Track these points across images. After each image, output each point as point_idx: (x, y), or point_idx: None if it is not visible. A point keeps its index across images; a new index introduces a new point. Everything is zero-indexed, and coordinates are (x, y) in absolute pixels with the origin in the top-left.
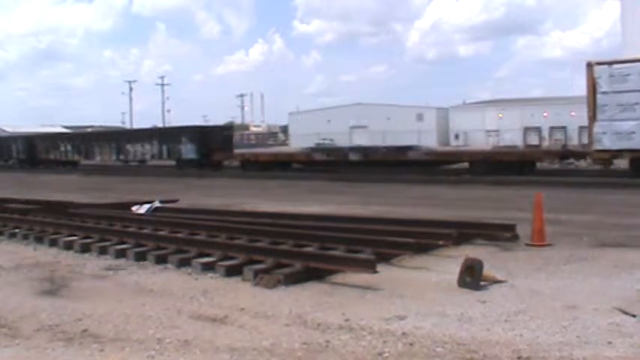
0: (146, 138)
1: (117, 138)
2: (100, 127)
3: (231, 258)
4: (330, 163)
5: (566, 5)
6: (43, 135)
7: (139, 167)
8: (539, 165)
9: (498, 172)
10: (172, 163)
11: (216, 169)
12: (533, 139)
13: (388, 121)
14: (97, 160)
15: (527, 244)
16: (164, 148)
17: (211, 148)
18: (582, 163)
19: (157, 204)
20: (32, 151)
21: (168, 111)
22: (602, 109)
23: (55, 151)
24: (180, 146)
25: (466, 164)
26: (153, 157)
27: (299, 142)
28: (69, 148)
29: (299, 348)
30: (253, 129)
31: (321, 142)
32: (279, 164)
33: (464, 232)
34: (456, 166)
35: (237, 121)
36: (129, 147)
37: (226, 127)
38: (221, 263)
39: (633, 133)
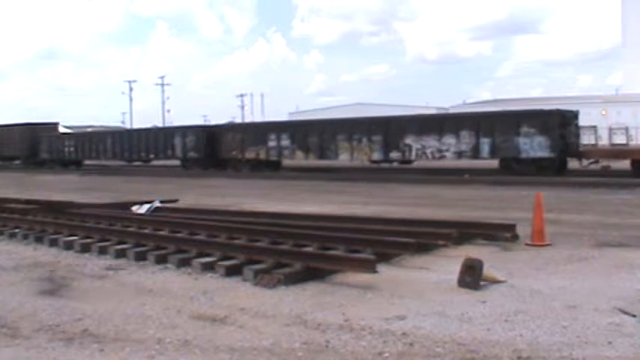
0: (449, 126)
1: (385, 126)
2: (101, 127)
3: (231, 258)
4: None
5: (566, 5)
6: (235, 124)
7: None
8: None
9: None
10: (489, 163)
11: (560, 173)
12: None
13: None
14: (342, 159)
15: (527, 244)
16: (484, 141)
17: (568, 142)
18: None
19: (156, 204)
20: (212, 148)
21: (168, 111)
22: None
23: (259, 146)
24: (516, 139)
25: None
26: (460, 155)
27: None
28: (285, 142)
29: (299, 348)
30: None
31: None
32: None
33: (464, 232)
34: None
35: (238, 121)
36: (410, 140)
37: (575, 113)
38: (221, 263)
39: None
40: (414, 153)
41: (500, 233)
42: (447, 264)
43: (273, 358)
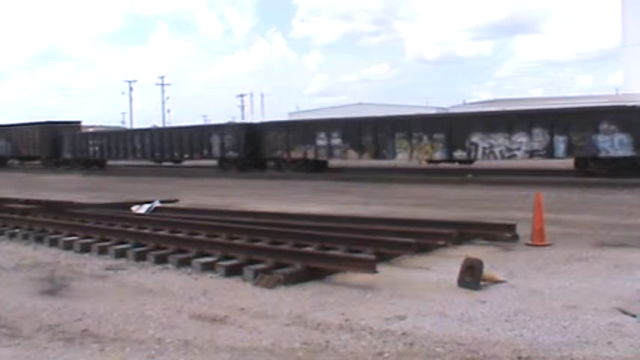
0: (520, 124)
1: (449, 123)
2: (101, 127)
3: (231, 258)
4: None
5: (566, 5)
6: (281, 122)
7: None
8: None
9: None
10: (563, 163)
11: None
12: None
13: None
14: (400, 158)
15: (527, 244)
16: (559, 140)
17: None
18: None
19: (156, 204)
20: (253, 147)
21: (169, 111)
22: None
23: (306, 145)
24: (594, 137)
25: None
26: (532, 154)
27: None
28: (336, 140)
29: (299, 348)
30: None
31: None
32: None
33: (464, 232)
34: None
35: (238, 121)
36: (476, 138)
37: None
38: (221, 263)
39: None
40: (480, 152)
41: (500, 233)
42: (447, 264)
43: (273, 358)
